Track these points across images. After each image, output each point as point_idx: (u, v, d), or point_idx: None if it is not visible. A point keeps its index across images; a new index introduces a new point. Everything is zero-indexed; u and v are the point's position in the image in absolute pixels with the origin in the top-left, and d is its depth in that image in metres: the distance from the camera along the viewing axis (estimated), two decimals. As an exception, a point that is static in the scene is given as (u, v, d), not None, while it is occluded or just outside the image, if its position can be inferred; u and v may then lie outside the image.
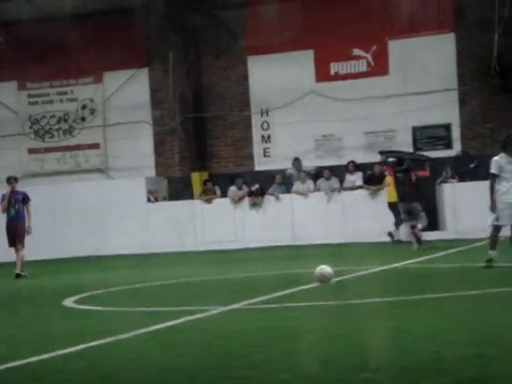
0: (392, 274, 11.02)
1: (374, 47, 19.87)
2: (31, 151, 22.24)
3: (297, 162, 19.70)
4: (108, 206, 19.97)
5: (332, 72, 20.22)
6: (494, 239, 10.87)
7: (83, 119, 21.92)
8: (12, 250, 15.39)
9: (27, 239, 15.51)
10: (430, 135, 19.67)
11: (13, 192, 15.55)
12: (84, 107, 21.91)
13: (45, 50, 20.97)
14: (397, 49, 19.66)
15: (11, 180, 15.76)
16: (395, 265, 12.03)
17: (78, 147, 21.89)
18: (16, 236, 15.22)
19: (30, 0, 20.80)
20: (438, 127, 19.61)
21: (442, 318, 7.16)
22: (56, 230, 19.96)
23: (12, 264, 15.36)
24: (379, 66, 19.84)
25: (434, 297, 8.56)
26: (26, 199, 15.57)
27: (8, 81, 21.89)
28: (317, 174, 19.63)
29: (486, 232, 11.53)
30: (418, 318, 7.22)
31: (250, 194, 19.45)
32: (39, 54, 21.01)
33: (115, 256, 18.93)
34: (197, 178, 20.70)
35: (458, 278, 10.51)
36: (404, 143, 19.66)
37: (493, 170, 10.83)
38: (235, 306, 8.60)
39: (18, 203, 15.52)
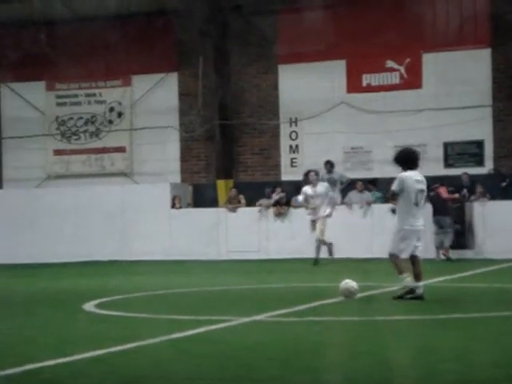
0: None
1: (408, 60, 19.66)
2: (57, 152, 22.25)
3: (328, 164, 19.44)
4: (132, 210, 19.89)
5: (364, 83, 20.03)
6: None
7: (110, 122, 21.90)
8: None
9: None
10: (462, 151, 19.40)
11: None
12: (112, 110, 21.90)
13: (75, 51, 21.01)
14: (431, 62, 19.44)
15: None
16: (423, 283, 11.78)
17: (104, 150, 21.88)
18: None
19: (64, 2, 20.85)
20: (470, 143, 19.34)
21: (469, 338, 7.01)
22: (79, 232, 19.91)
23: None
24: (412, 79, 19.62)
25: (462, 317, 8.41)
26: None
27: (37, 80, 21.95)
28: (347, 185, 19.37)
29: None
30: (445, 337, 7.06)
31: (275, 203, 19.26)
32: (69, 54, 21.04)
33: (137, 261, 18.83)
34: (222, 186, 20.57)
35: (486, 298, 10.31)
36: (435, 159, 19.40)
37: None
38: (257, 317, 8.48)
39: None
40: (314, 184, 16.88)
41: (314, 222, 16.82)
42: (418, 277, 9.69)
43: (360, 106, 19.87)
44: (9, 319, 8.85)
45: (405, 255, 9.82)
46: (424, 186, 9.77)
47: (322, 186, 16.92)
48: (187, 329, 7.57)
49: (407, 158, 9.89)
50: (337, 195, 19.01)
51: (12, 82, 22.05)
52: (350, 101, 20.02)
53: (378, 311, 8.94)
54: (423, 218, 9.90)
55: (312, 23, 19.81)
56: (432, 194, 17.89)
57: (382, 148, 19.61)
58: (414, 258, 9.77)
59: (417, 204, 9.72)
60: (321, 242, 16.65)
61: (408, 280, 9.64)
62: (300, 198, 17.07)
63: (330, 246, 16.76)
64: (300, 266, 16.70)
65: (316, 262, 16.45)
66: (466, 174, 18.46)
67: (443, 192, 17.74)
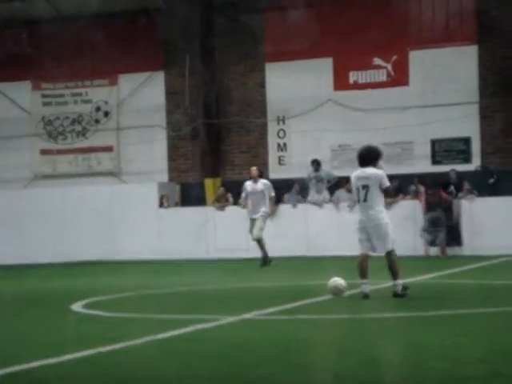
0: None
1: (395, 57, 19.68)
2: (43, 152, 22.17)
3: (315, 163, 19.45)
4: (120, 210, 19.84)
5: (351, 81, 20.04)
6: None
7: (97, 121, 21.84)
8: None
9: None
10: (449, 148, 19.45)
11: None
12: (98, 109, 21.83)
13: (60, 51, 20.94)
14: (418, 59, 19.47)
15: None
16: (411, 279, 11.81)
17: (91, 150, 21.82)
18: None
19: (49, 0, 20.76)
20: (457, 140, 19.38)
21: (457, 335, 7.02)
22: (66, 233, 19.85)
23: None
24: (399, 77, 19.65)
25: (450, 313, 8.42)
26: None
27: (22, 80, 21.85)
28: (334, 183, 19.36)
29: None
30: (433, 334, 7.07)
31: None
32: (54, 53, 20.96)
33: (126, 261, 18.79)
34: (210, 185, 20.55)
35: (474, 295, 10.36)
36: (422, 156, 19.45)
37: None
38: (246, 315, 8.49)
39: None
40: (255, 180, 16.26)
41: (252, 221, 16.13)
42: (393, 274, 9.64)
43: (347, 103, 19.89)
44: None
45: (361, 251, 9.81)
46: (368, 182, 9.67)
47: (261, 184, 16.21)
48: (176, 328, 7.57)
49: (358, 157, 10.02)
50: (328, 196, 19.02)
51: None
52: (337, 98, 20.03)
53: (367, 309, 8.95)
54: (374, 214, 9.68)
55: (298, 21, 19.80)
56: (414, 189, 18.03)
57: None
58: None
59: (359, 201, 9.83)
60: (259, 242, 15.94)
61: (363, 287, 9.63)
62: (243, 194, 16.48)
63: (263, 249, 15.97)
64: (288, 264, 16.71)
65: (264, 261, 15.82)
66: (453, 170, 18.51)
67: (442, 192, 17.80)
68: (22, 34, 21.18)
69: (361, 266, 9.74)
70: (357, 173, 9.88)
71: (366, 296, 9.58)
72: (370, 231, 9.70)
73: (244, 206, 16.64)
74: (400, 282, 9.60)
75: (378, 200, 9.72)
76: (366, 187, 9.68)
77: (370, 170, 9.76)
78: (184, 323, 7.90)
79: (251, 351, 6.42)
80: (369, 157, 9.88)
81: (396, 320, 8.20)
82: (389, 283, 9.91)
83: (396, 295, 9.54)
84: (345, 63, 19.88)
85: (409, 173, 18.80)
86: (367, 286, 9.66)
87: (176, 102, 21.22)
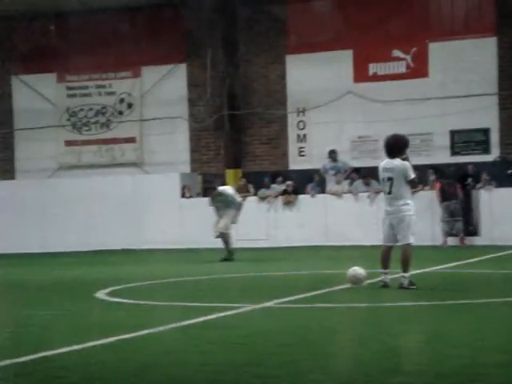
0: (427, 278, 10.89)
1: (414, 49, 19.71)
2: (68, 143, 22.41)
3: (333, 154, 19.58)
4: (143, 200, 20.05)
5: (371, 73, 20.10)
6: None
7: (120, 113, 22.04)
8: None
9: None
10: (468, 139, 19.47)
11: None
12: (122, 101, 22.03)
13: (85, 43, 21.12)
14: (437, 51, 19.48)
15: None
16: (430, 269, 11.91)
17: (115, 141, 22.02)
18: None
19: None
20: (476, 131, 19.39)
21: (478, 323, 7.06)
22: (91, 222, 20.09)
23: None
24: (419, 68, 19.67)
25: (470, 302, 8.43)
26: None
27: (48, 72, 22.08)
28: (350, 173, 19.47)
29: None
30: (453, 322, 7.12)
31: (284, 192, 19.42)
32: (79, 46, 21.16)
33: (149, 250, 18.99)
34: (231, 175, 20.70)
35: (494, 284, 10.35)
36: (441, 147, 19.48)
37: None
38: (267, 304, 8.56)
39: None
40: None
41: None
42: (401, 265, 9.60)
43: (367, 95, 19.95)
44: (22, 308, 8.95)
45: (384, 242, 9.83)
46: (392, 174, 9.56)
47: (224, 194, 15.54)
48: (198, 316, 7.64)
49: (384, 146, 9.88)
50: (346, 187, 19.11)
51: (23, 74, 22.19)
52: (356, 90, 20.10)
53: (386, 297, 9.00)
54: (398, 206, 9.58)
55: (319, 13, 19.87)
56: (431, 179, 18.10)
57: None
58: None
59: (385, 192, 9.73)
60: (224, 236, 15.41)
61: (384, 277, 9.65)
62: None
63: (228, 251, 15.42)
64: (308, 253, 16.82)
65: (230, 254, 15.37)
66: (471, 165, 18.51)
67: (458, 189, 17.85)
68: (47, 26, 21.40)
69: (383, 257, 9.77)
70: (383, 164, 9.76)
71: (385, 285, 9.64)
72: (393, 222, 9.66)
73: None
74: (408, 275, 9.55)
75: (403, 192, 9.58)
76: (390, 179, 9.57)
77: (395, 162, 9.61)
78: (206, 311, 7.98)
79: (272, 339, 6.46)
80: (395, 146, 9.72)
81: (416, 308, 8.23)
82: (406, 273, 9.97)
83: (401, 287, 9.51)
84: (364, 55, 19.93)
85: (428, 163, 18.86)
86: (387, 276, 9.69)
87: (198, 94, 21.37)
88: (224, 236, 15.39)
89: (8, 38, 21.56)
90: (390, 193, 9.64)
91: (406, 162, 9.72)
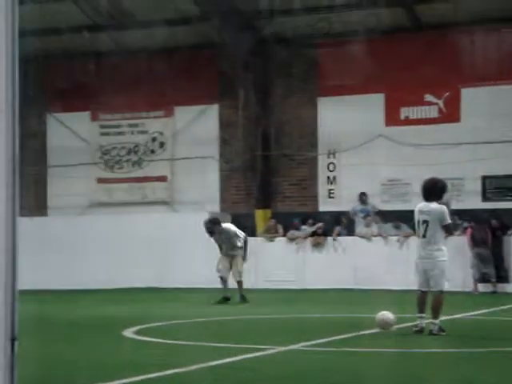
0: (457, 324, 10.78)
1: (447, 94, 19.73)
2: (100, 181, 22.62)
3: (363, 196, 19.59)
4: (172, 238, 20.13)
5: (402, 117, 20.14)
6: None
7: (152, 152, 22.24)
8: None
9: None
10: (500, 185, 19.34)
11: None
12: (154, 140, 22.25)
13: (119, 83, 21.42)
14: (470, 96, 19.48)
15: None
16: (460, 315, 11.79)
17: (146, 179, 22.19)
18: None
19: (111, 35, 21.34)
20: (508, 177, 19.27)
21: (508, 372, 6.96)
22: (120, 259, 20.18)
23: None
24: (451, 113, 19.67)
25: (501, 350, 8.32)
26: None
27: (82, 111, 22.41)
28: (374, 215, 19.45)
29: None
30: (483, 371, 7.03)
31: (313, 234, 19.41)
32: (114, 86, 21.47)
33: (177, 289, 19.01)
34: (260, 216, 20.74)
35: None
36: (473, 192, 19.37)
37: None
38: (293, 346, 8.53)
39: None
40: (214, 232, 15.64)
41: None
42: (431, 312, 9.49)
43: (398, 139, 19.96)
44: (50, 344, 9.00)
45: (418, 287, 9.73)
46: (428, 217, 9.43)
47: (224, 232, 15.36)
48: (225, 356, 7.64)
49: (422, 190, 9.81)
50: (376, 230, 19.03)
51: (58, 112, 22.53)
52: (388, 134, 20.13)
53: (415, 343, 8.93)
54: (433, 251, 9.47)
55: (351, 56, 20.00)
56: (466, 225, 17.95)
57: (420, 181, 19.56)
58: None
59: (419, 236, 9.61)
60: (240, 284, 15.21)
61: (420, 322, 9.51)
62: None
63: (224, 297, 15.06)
64: (337, 296, 16.74)
65: (225, 298, 15.04)
66: (499, 218, 18.22)
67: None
68: (83, 66, 21.77)
69: (419, 301, 9.66)
70: (419, 206, 9.64)
71: (419, 330, 9.49)
72: (426, 268, 9.55)
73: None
74: (437, 321, 9.44)
75: (437, 236, 9.46)
76: (426, 222, 9.44)
77: (432, 206, 9.50)
78: (233, 352, 7.98)
79: (299, 382, 6.44)
80: (433, 190, 9.63)
81: (445, 356, 8.13)
82: (436, 319, 9.89)
83: (431, 334, 9.37)
84: (396, 99, 19.99)
85: (459, 209, 18.74)
86: (423, 321, 9.55)
87: (229, 134, 21.53)
88: (239, 283, 15.34)
89: (44, 77, 21.95)
90: (424, 236, 9.53)
91: (443, 206, 9.64)
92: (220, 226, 15.48)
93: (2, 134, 2.34)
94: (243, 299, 15.20)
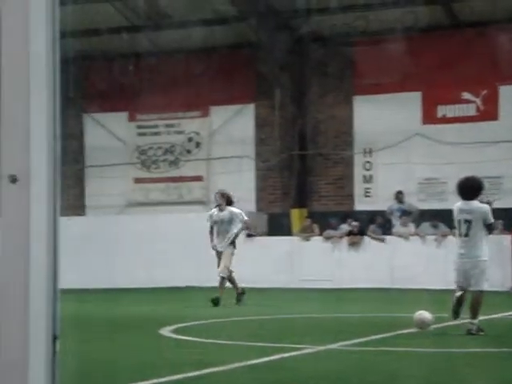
0: (495, 324, 10.68)
1: (484, 92, 19.53)
2: (137, 181, 22.79)
3: (400, 195, 19.46)
4: (208, 238, 20.15)
5: (439, 115, 19.98)
6: None
7: (188, 152, 22.35)
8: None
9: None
10: (540, 184, 19.12)
11: None
12: (190, 140, 22.35)
13: (157, 83, 21.55)
14: (508, 94, 19.26)
15: None
16: (499, 315, 11.66)
17: (182, 179, 22.30)
18: None
19: (149, 36, 21.48)
20: (547, 176, 19.05)
21: None
22: (157, 259, 20.30)
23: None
24: (488, 111, 19.47)
25: None
26: None
27: (120, 111, 22.59)
28: (416, 216, 19.30)
29: None
30: None
31: (349, 233, 19.35)
32: (151, 86, 21.61)
33: (213, 288, 19.04)
34: (296, 215, 20.72)
35: None
36: (511, 191, 19.15)
37: None
38: (331, 346, 8.52)
39: None
40: (220, 208, 14.46)
41: (219, 254, 14.48)
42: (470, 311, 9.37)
43: (435, 137, 19.82)
44: (89, 343, 9.07)
45: (457, 286, 9.63)
46: (471, 216, 9.28)
47: (228, 212, 14.33)
48: (263, 356, 7.64)
49: (459, 188, 9.67)
50: (413, 229, 18.88)
51: (95, 112, 22.74)
52: (424, 132, 19.99)
53: (453, 343, 8.88)
54: (474, 250, 9.36)
55: (388, 55, 19.88)
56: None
57: (457, 179, 19.40)
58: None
59: (460, 234, 9.47)
60: (224, 280, 14.23)
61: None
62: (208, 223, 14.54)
63: (238, 293, 14.23)
64: (373, 295, 16.66)
65: (216, 300, 13.97)
66: None
67: None
68: (120, 67, 21.94)
69: (456, 302, 9.58)
70: (459, 205, 9.48)
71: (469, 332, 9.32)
72: (466, 267, 9.43)
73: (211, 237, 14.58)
74: (476, 321, 9.34)
75: (480, 236, 9.33)
76: (468, 222, 9.30)
77: (474, 204, 9.37)
78: (270, 351, 7.99)
79: (336, 381, 6.45)
80: (471, 189, 9.50)
81: (484, 355, 8.09)
82: (475, 319, 9.79)
83: (469, 333, 9.29)
84: (433, 97, 19.84)
85: (497, 207, 18.52)
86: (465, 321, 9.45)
87: (265, 134, 21.56)
88: (229, 278, 14.38)
89: (82, 77, 22.16)
90: (466, 235, 9.39)
91: (486, 205, 9.52)
92: (228, 206, 14.44)
93: (43, 135, 2.38)
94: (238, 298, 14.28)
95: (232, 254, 14.44)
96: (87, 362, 7.57)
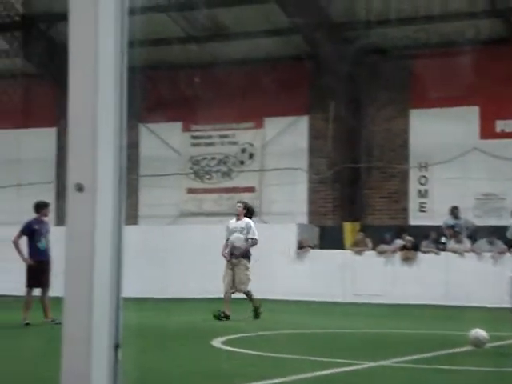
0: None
1: (544, 106, 19.21)
2: (190, 191, 22.92)
3: (455, 210, 19.20)
4: (259, 249, 20.13)
5: (498, 129, 19.68)
6: None
7: (242, 163, 22.40)
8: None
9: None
10: None
11: (43, 221, 12.94)
12: (243, 151, 22.41)
13: (212, 94, 21.68)
14: None
15: (45, 205, 13.07)
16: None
17: (235, 190, 22.35)
18: (47, 274, 12.54)
19: (203, 47, 21.63)
20: None
21: None
22: (209, 269, 20.34)
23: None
24: (548, 126, 19.13)
25: None
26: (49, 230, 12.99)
27: (175, 121, 22.77)
28: (473, 232, 19.02)
29: None
30: None
31: (403, 248, 19.14)
32: (206, 97, 21.75)
33: (264, 300, 19.01)
34: (349, 228, 20.59)
35: None
36: None
37: None
38: (384, 362, 8.41)
39: (48, 234, 12.80)
40: (238, 218, 14.21)
41: (230, 264, 14.02)
42: None
43: (493, 152, 19.52)
44: (141, 352, 9.15)
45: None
46: None
47: (244, 223, 14.07)
48: (314, 370, 7.57)
49: None
50: (468, 245, 18.60)
51: (150, 122, 22.96)
52: (482, 147, 19.70)
53: (509, 362, 8.73)
54: None
55: (446, 68, 19.68)
56: None
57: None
58: None
59: None
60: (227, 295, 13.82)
61: None
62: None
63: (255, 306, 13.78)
64: (427, 312, 16.45)
65: (219, 315, 13.49)
66: None
67: None
68: (175, 77, 22.15)
69: None
70: None
71: None
72: None
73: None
74: None
75: None
76: None
77: None
78: (321, 365, 7.93)
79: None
80: None
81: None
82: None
83: None
84: (492, 111, 19.56)
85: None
86: None
87: (319, 146, 21.49)
88: (247, 293, 14.02)
89: (139, 88, 22.38)
90: None
91: None
92: (247, 216, 14.15)
93: (109, 145, 2.39)
94: (256, 313, 13.78)
95: (247, 267, 14.08)
96: (143, 371, 7.64)
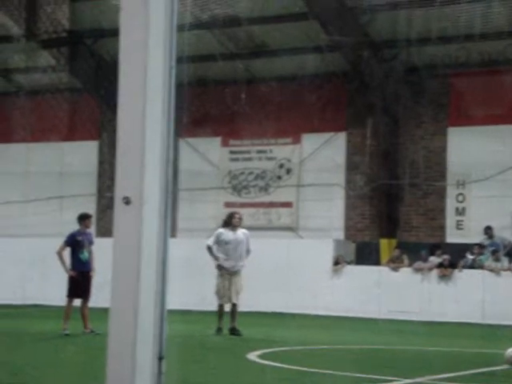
0: None
1: None
2: (228, 205, 23.00)
3: (489, 230, 19.07)
4: (296, 264, 20.19)
5: (538, 149, 19.52)
6: None
7: (279, 178, 22.47)
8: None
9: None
10: None
11: (86, 232, 13.19)
12: (281, 166, 22.48)
13: (250, 110, 21.80)
14: None
15: (87, 217, 13.29)
16: None
17: (272, 205, 22.41)
18: (88, 285, 12.81)
19: (245, 65, 21.79)
20: None
21: None
22: (245, 283, 20.35)
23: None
24: None
25: None
26: (92, 241, 13.26)
27: (214, 136, 22.93)
28: (509, 249, 18.86)
29: None
30: None
31: (439, 265, 19.03)
32: (245, 113, 21.88)
33: (300, 315, 19.03)
34: (385, 245, 20.52)
35: None
36: None
37: None
38: (419, 379, 8.40)
39: (91, 245, 13.05)
40: (233, 228, 13.80)
41: (224, 276, 13.57)
42: None
43: (533, 171, 19.35)
44: (177, 364, 9.23)
45: None
46: None
47: (242, 233, 13.84)
48: None
49: None
50: (506, 264, 18.45)
51: (190, 137, 23.13)
52: (521, 166, 19.56)
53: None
54: None
55: (483, 87, 19.59)
56: None
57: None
58: None
59: None
60: (235, 307, 13.49)
61: None
62: (209, 241, 13.82)
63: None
64: (463, 330, 16.32)
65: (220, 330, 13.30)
66: None
67: None
68: (215, 93, 22.33)
69: None
70: None
71: None
72: None
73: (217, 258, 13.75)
74: None
75: None
76: None
77: None
78: (355, 382, 7.98)
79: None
80: None
81: None
82: None
83: None
84: (531, 130, 19.41)
85: None
86: None
87: (356, 162, 21.48)
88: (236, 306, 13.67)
89: (179, 103, 22.56)
90: None
91: None
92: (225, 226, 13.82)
93: (157, 159, 2.47)
94: (234, 331, 13.20)
95: (241, 276, 13.88)
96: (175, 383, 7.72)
